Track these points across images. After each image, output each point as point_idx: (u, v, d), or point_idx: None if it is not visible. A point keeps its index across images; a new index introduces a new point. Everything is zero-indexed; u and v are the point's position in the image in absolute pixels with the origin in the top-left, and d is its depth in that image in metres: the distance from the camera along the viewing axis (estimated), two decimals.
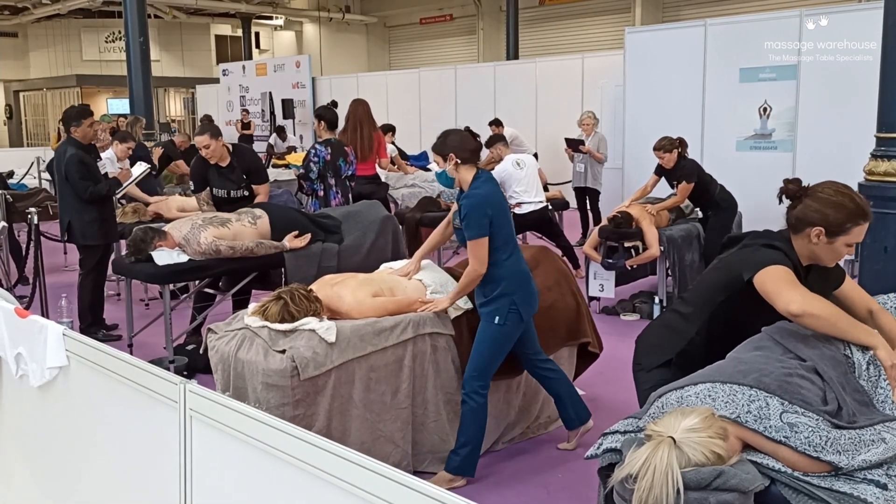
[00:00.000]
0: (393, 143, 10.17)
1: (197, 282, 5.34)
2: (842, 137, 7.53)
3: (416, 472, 3.45)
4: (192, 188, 5.71)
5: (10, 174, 10.42)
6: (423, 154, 10.64)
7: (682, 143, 6.21)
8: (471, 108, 13.58)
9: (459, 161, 3.41)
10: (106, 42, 25.50)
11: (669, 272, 6.23)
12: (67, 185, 5.55)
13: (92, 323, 5.71)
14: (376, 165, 7.12)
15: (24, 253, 6.93)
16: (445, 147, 3.43)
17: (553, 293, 3.98)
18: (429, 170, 8.97)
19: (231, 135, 16.39)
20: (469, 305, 3.65)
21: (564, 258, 6.03)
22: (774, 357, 2.30)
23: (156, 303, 6.58)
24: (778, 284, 2.39)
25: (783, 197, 2.60)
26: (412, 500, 1.46)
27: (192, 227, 4.75)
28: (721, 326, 2.62)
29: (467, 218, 3.33)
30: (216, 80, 20.75)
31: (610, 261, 6.15)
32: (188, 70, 25.86)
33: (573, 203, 9.23)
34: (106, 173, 6.10)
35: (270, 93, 18.00)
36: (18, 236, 7.78)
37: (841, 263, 2.70)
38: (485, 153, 7.44)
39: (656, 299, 6.21)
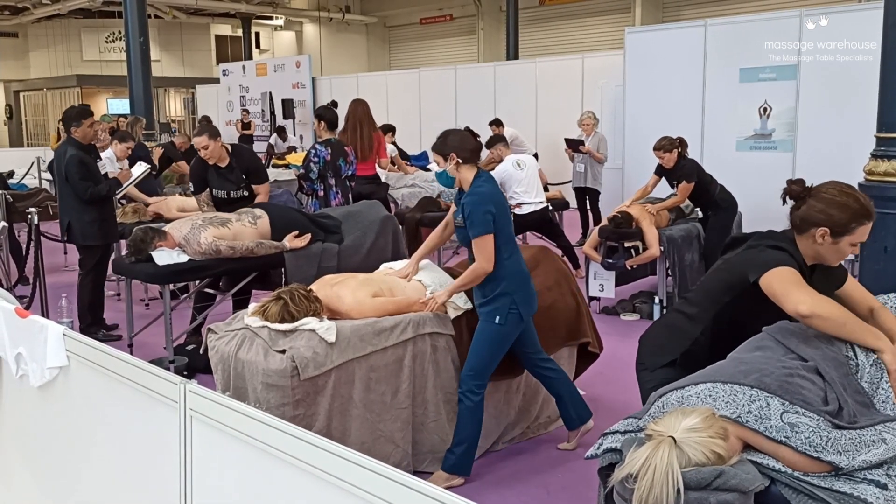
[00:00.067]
0: (394, 142, 10.18)
1: (197, 282, 5.34)
2: (842, 137, 7.53)
3: (416, 472, 3.45)
4: (192, 189, 5.71)
5: (11, 174, 10.41)
6: (424, 154, 10.65)
7: (682, 143, 6.21)
8: (471, 108, 13.58)
9: (460, 161, 3.41)
10: (106, 42, 25.51)
11: (669, 272, 6.23)
12: (67, 186, 5.55)
13: (92, 323, 5.71)
14: (376, 165, 7.12)
15: (24, 253, 6.93)
16: (446, 147, 3.43)
17: (553, 293, 3.98)
18: (429, 170, 8.96)
19: (231, 135, 16.41)
20: (469, 306, 3.65)
21: (564, 258, 6.03)
22: (776, 357, 2.30)
23: (156, 303, 6.58)
24: (786, 286, 2.40)
25: (787, 198, 2.61)
26: (412, 500, 1.46)
27: (192, 228, 4.75)
28: (726, 327, 2.62)
29: (471, 216, 3.33)
30: (216, 81, 20.75)
31: (610, 261, 6.16)
32: (188, 70, 25.87)
33: (573, 203, 9.23)
34: (106, 173, 6.10)
35: (270, 93, 18.01)
36: (18, 236, 7.78)
37: (842, 263, 2.70)
38: (485, 153, 7.45)
39: (656, 299, 6.21)
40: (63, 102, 22.83)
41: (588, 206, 9.22)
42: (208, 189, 5.40)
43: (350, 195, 6.23)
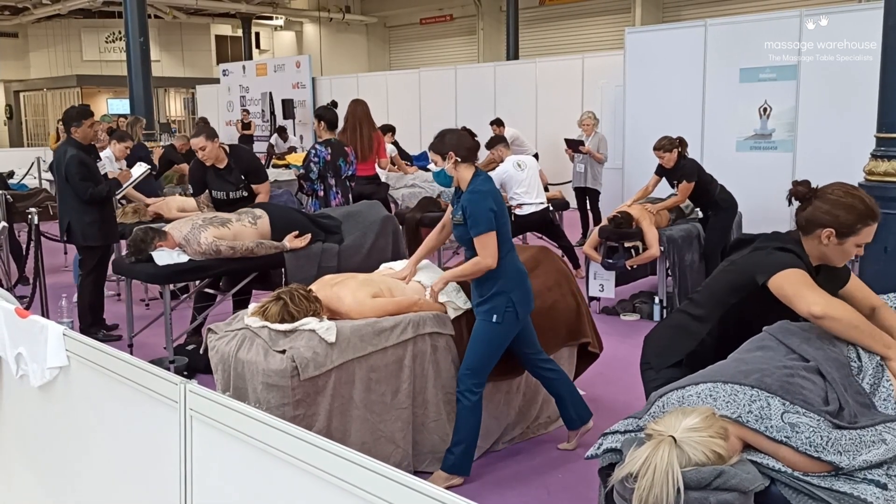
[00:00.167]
0: (395, 142, 10.18)
1: (197, 282, 5.34)
2: (842, 137, 7.53)
3: (416, 472, 3.45)
4: (192, 192, 5.71)
5: (11, 174, 10.42)
6: (425, 154, 10.65)
7: (682, 143, 6.20)
8: (471, 108, 13.58)
9: (458, 159, 3.41)
10: (106, 42, 25.52)
11: (669, 272, 6.23)
12: (67, 186, 5.54)
13: (92, 323, 5.71)
14: (376, 165, 7.12)
15: (24, 253, 6.93)
16: (444, 146, 3.43)
17: (553, 293, 3.98)
18: (429, 170, 8.97)
19: (231, 135, 16.41)
20: (469, 306, 3.65)
21: (565, 258, 6.03)
22: (777, 357, 2.30)
23: (156, 303, 6.58)
24: (797, 287, 2.42)
25: (792, 199, 2.62)
26: (412, 500, 1.46)
27: (192, 228, 4.75)
28: (732, 328, 2.63)
29: (473, 214, 3.32)
30: (216, 81, 20.75)
31: (610, 261, 6.16)
32: (188, 70, 25.88)
33: (573, 203, 9.23)
34: (105, 174, 6.09)
35: (270, 93, 18.01)
36: (19, 236, 7.78)
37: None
38: (485, 154, 7.45)
39: (656, 299, 6.21)
40: (63, 102, 22.84)
41: (588, 207, 9.21)
42: (208, 191, 5.40)
43: (350, 195, 6.23)
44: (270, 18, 25.87)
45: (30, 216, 6.00)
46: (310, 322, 3.29)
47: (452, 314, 3.65)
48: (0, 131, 26.60)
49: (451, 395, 3.59)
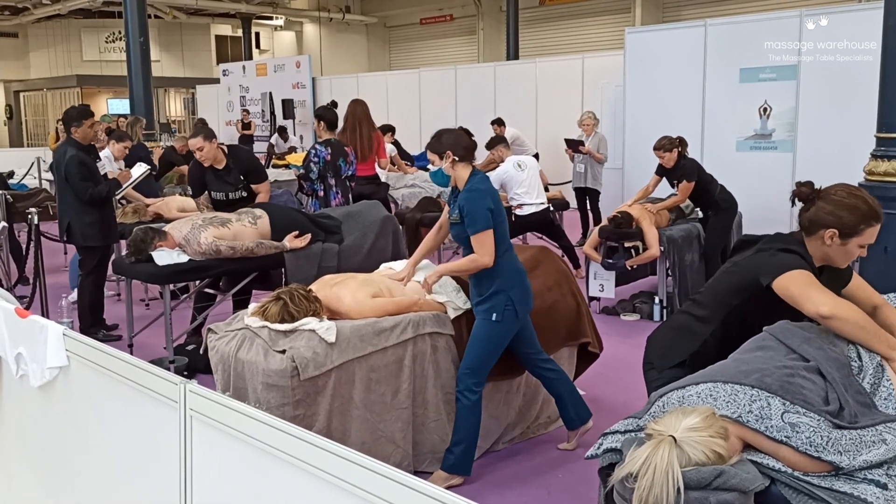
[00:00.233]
0: (395, 142, 10.17)
1: (197, 282, 5.34)
2: (842, 137, 7.53)
3: (416, 472, 3.45)
4: (191, 193, 5.71)
5: (11, 174, 10.42)
6: (425, 154, 10.64)
7: (682, 143, 6.21)
8: (471, 108, 13.59)
9: (456, 158, 3.42)
10: (106, 42, 25.52)
11: (669, 272, 6.23)
12: (67, 186, 5.54)
13: (92, 323, 5.71)
14: (376, 165, 7.12)
15: (24, 253, 6.93)
16: (441, 145, 3.44)
17: (553, 293, 3.98)
18: (429, 170, 8.96)
19: (232, 135, 16.42)
20: (468, 305, 3.65)
21: (565, 258, 6.03)
22: (777, 357, 2.30)
23: (156, 303, 6.59)
24: (803, 288, 2.42)
25: (795, 200, 2.62)
26: (412, 500, 1.45)
27: (192, 228, 4.75)
28: (735, 329, 2.63)
29: (471, 213, 3.32)
30: (216, 81, 20.76)
31: (610, 261, 6.16)
32: (188, 70, 25.88)
33: (573, 203, 9.23)
34: (105, 174, 6.09)
35: (270, 93, 18.01)
36: (18, 236, 7.78)
37: None
38: (485, 154, 7.45)
39: (656, 299, 6.21)
40: (63, 102, 22.84)
41: (588, 207, 9.21)
42: (207, 192, 5.40)
43: (350, 195, 6.23)
44: (270, 18, 25.88)
45: (30, 216, 6.00)
46: (310, 322, 3.29)
47: (452, 314, 3.65)
48: (0, 131, 26.60)
49: (451, 395, 3.59)
